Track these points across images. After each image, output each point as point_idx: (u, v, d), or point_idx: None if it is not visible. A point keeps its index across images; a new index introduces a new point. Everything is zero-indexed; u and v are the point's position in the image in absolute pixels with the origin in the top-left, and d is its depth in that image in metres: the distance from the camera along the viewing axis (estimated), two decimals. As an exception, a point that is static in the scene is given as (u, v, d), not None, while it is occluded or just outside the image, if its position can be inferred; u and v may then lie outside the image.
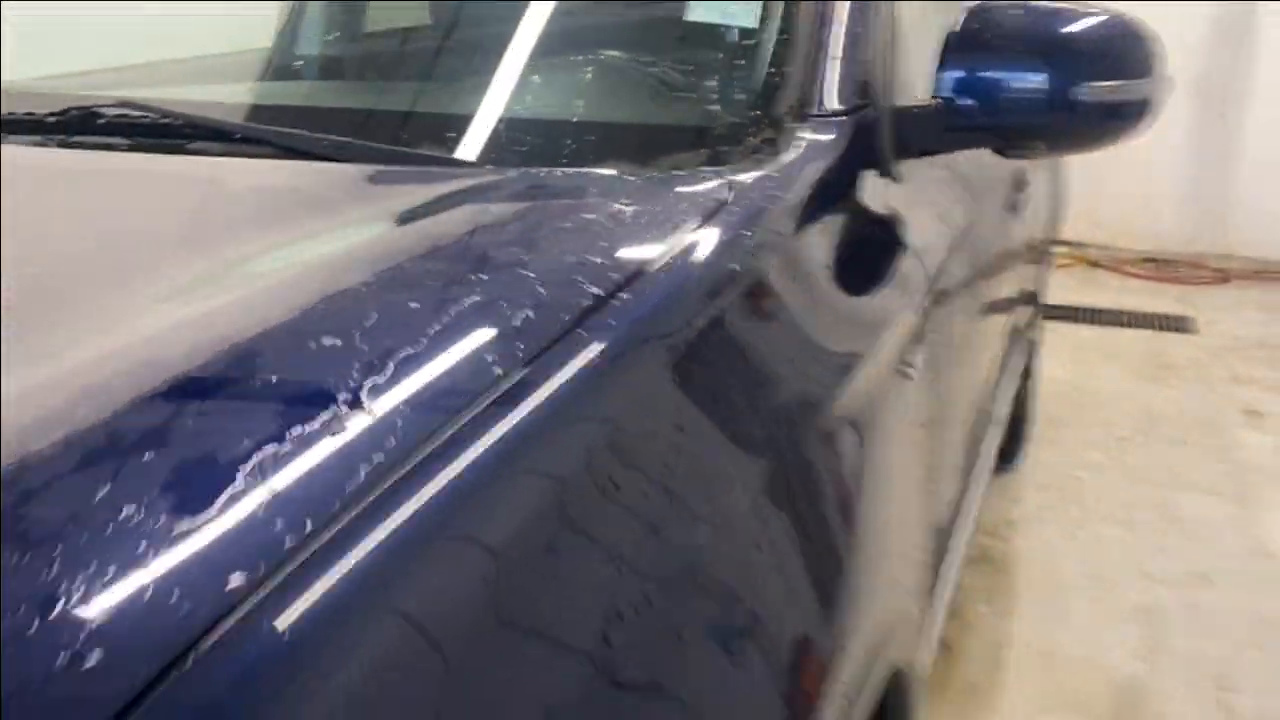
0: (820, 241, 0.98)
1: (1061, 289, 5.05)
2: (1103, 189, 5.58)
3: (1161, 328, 4.54)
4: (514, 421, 0.57)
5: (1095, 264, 5.49)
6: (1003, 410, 2.38)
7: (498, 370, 0.60)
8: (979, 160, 1.52)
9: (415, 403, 0.57)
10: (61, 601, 0.43)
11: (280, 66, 2.25)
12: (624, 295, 0.71)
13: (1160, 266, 5.40)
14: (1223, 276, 5.27)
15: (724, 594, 0.68)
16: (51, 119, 1.12)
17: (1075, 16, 1.25)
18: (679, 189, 0.95)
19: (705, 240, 0.83)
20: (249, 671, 0.42)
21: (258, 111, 1.35)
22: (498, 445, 0.56)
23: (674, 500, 0.66)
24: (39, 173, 1.02)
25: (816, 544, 0.81)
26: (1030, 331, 2.84)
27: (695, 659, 0.63)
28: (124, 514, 0.48)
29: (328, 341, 0.61)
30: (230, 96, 1.70)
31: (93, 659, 0.41)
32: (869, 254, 1.08)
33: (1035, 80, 1.21)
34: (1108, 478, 3.09)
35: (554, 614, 0.54)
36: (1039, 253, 2.58)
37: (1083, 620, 2.40)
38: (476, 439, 0.56)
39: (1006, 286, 1.93)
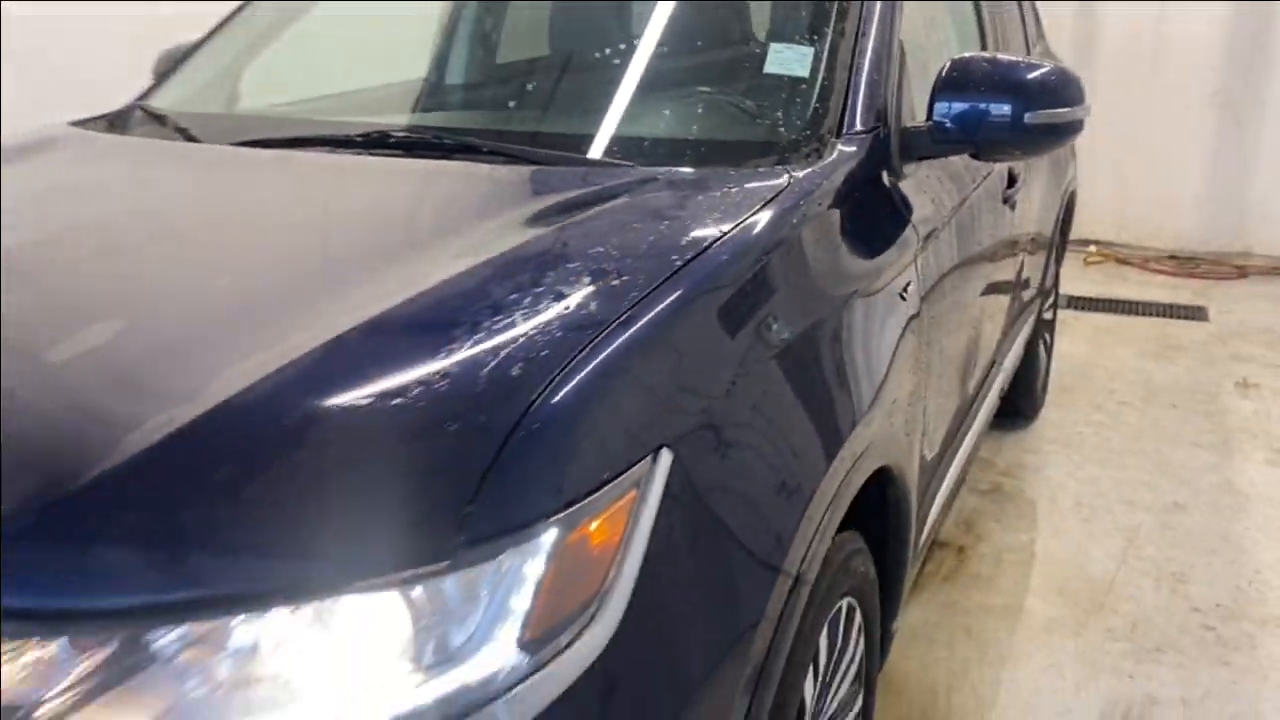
0: (846, 211, 1.59)
1: (1090, 283, 5.59)
2: (1130, 193, 6.10)
3: (1176, 316, 5.04)
4: (689, 280, 1.20)
5: (1123, 261, 5.98)
6: (1009, 361, 2.95)
7: (677, 261, 1.23)
8: (968, 162, 2.11)
9: (642, 270, 1.20)
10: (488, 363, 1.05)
11: (434, 93, 2.91)
12: (732, 232, 1.34)
13: (1182, 263, 5.89)
14: (1240, 272, 5.74)
15: (778, 403, 1.29)
16: (359, 137, 1.78)
17: (1027, 67, 1.84)
18: (759, 180, 1.56)
19: (775, 208, 1.45)
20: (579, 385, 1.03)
21: (471, 132, 1.98)
22: (681, 296, 1.18)
23: (757, 333, 1.28)
24: (361, 176, 1.68)
25: (833, 383, 1.42)
26: (1036, 309, 3.39)
27: (771, 429, 1.25)
28: (521, 318, 1.10)
29: (594, 250, 1.25)
30: (452, 121, 2.38)
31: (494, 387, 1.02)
32: (878, 220, 1.69)
33: (998, 110, 1.80)
34: (1107, 433, 3.64)
35: (701, 379, 1.16)
36: (1039, 244, 3.14)
37: (1073, 535, 2.97)
38: (667, 294, 1.18)
39: (1000, 257, 2.51)
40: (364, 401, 0.97)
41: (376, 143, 1.78)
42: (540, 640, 0.93)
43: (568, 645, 0.94)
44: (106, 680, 0.87)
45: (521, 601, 0.93)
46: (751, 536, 1.15)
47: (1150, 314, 5.08)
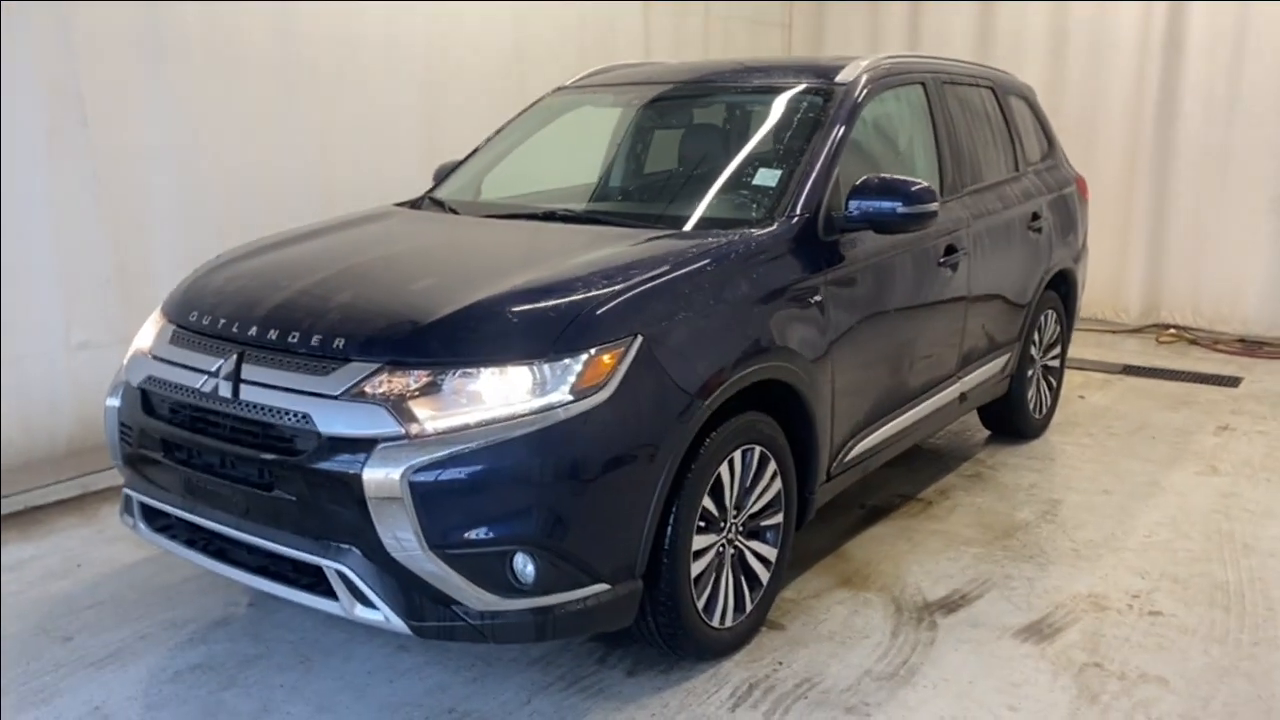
0: (781, 255, 3.11)
1: (1154, 356, 6.67)
2: (1204, 285, 7.15)
3: (1211, 383, 6.04)
4: (677, 270, 2.77)
5: (1193, 341, 7.00)
6: (973, 380, 4.27)
7: (672, 262, 2.80)
8: (894, 237, 3.56)
9: (661, 265, 2.78)
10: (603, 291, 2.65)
11: (602, 192, 4.61)
12: (706, 255, 2.90)
13: (1248, 345, 6.84)
14: (1295, 353, 6.64)
15: (711, 328, 2.82)
16: (540, 213, 3.47)
17: (904, 181, 3.32)
18: (735, 236, 3.10)
19: (745, 248, 3.00)
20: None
21: (608, 211, 3.64)
22: (670, 276, 2.75)
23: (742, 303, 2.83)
24: (541, 231, 3.35)
25: (748, 328, 2.92)
26: (1017, 353, 4.65)
27: (702, 339, 2.79)
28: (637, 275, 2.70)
29: (643, 258, 2.85)
30: (606, 208, 4.07)
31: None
32: (800, 261, 3.18)
33: (886, 205, 3.29)
34: (1085, 451, 4.84)
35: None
36: (1002, 303, 4.43)
37: (1014, 500, 4.24)
38: (665, 274, 2.75)
39: (938, 302, 3.89)
40: (529, 301, 2.61)
41: (550, 216, 3.49)
42: (580, 393, 2.50)
43: (589, 396, 2.51)
44: (424, 390, 2.51)
45: (571, 378, 2.51)
46: (679, 378, 2.68)
47: (1188, 380, 6.10)
